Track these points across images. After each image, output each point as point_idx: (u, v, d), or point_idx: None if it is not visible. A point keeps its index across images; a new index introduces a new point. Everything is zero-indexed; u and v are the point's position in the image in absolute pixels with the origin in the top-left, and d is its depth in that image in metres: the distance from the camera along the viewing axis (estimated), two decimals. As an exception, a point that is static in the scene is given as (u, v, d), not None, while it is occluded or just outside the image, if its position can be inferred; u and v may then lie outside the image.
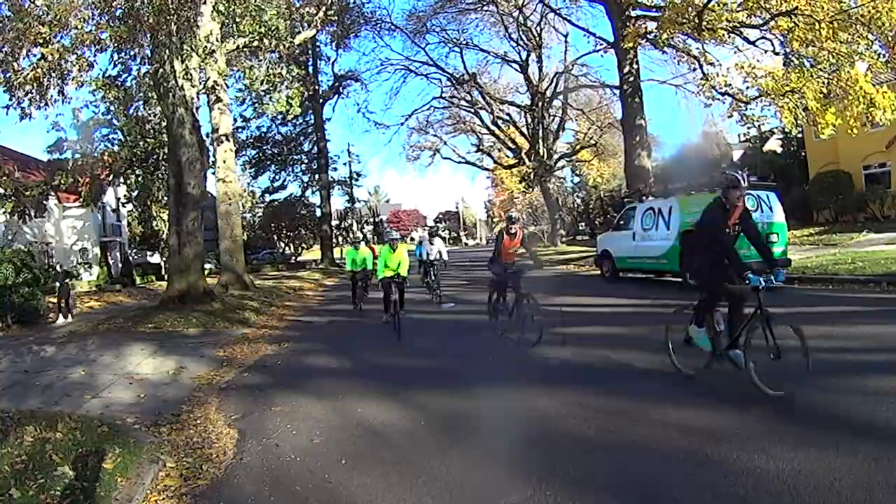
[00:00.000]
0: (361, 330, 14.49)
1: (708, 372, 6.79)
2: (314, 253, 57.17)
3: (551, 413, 6.57)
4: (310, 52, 42.93)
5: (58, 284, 19.69)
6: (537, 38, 45.00)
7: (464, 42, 46.79)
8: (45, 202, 22.19)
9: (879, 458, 4.62)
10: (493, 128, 51.44)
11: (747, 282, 6.31)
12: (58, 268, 20.24)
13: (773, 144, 42.95)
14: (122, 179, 30.79)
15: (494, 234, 15.26)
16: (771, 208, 16.08)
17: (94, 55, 17.41)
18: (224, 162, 25.75)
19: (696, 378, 7.05)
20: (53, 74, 16.24)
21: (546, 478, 4.86)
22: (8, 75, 15.89)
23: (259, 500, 5.01)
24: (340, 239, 61.10)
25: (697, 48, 27.30)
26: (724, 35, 23.84)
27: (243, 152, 48.04)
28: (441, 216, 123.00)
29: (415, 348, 11.21)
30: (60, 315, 19.40)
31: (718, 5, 22.80)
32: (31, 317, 18.31)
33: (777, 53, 24.22)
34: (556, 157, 52.10)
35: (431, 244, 19.40)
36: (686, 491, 4.47)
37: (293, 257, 56.42)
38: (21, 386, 9.37)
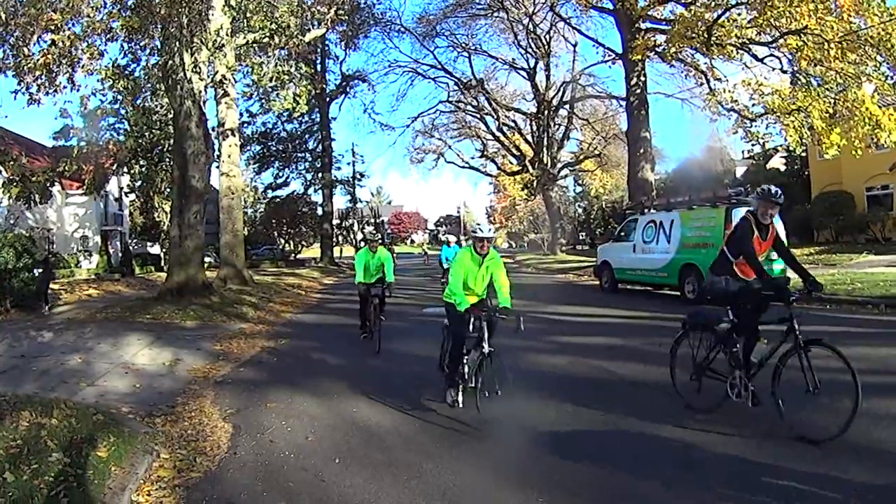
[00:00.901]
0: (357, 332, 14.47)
1: (706, 389, 6.74)
2: (314, 251, 57.26)
3: (546, 422, 6.59)
4: (319, 50, 42.98)
5: (38, 272, 19.00)
6: (546, 47, 45.02)
7: (473, 47, 46.84)
8: (50, 188, 22.14)
9: (872, 477, 4.64)
10: (498, 134, 51.44)
11: None
12: (37, 256, 19.44)
13: (777, 162, 43.02)
14: (125, 169, 30.90)
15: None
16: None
17: (105, 44, 17.48)
18: (229, 156, 25.81)
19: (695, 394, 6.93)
20: (63, 61, 16.27)
21: (539, 485, 4.87)
22: (18, 60, 15.92)
23: (252, 495, 5.02)
24: (341, 238, 61.07)
25: (705, 63, 27.41)
26: (732, 51, 23.92)
27: (248, 147, 48.21)
28: (442, 220, 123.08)
29: (408, 352, 11.14)
30: (46, 304, 18.77)
31: (728, 21, 22.86)
32: (30, 302, 18.29)
33: (784, 71, 24.28)
34: (559, 165, 52.09)
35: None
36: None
37: (293, 254, 56.40)
38: (18, 370, 9.41)
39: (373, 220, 77.21)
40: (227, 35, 18.94)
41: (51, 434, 5.54)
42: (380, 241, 12.71)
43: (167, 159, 30.25)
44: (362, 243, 23.83)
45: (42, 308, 18.43)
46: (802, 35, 20.30)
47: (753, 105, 25.30)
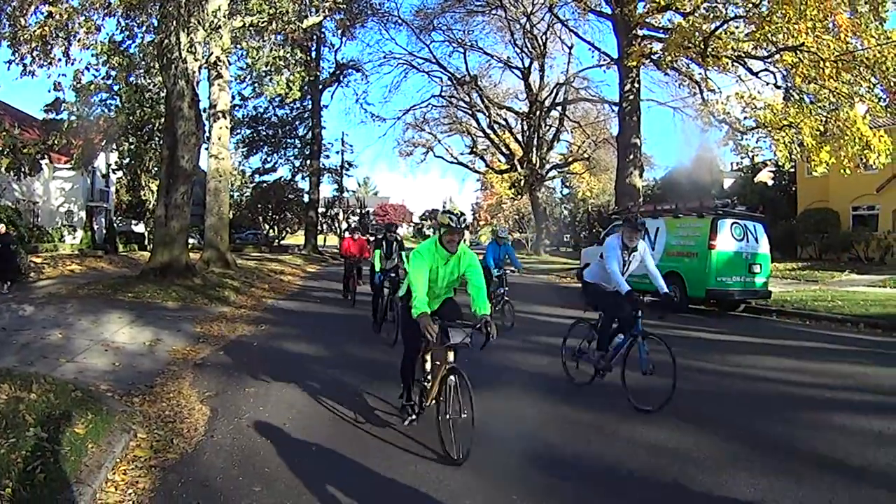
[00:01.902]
0: (344, 319, 14.45)
1: (679, 393, 6.80)
2: (298, 238, 57.07)
3: (523, 421, 6.63)
4: (315, 37, 42.81)
5: None
6: (542, 47, 45.12)
7: (469, 43, 46.90)
8: (40, 161, 21.93)
9: (841, 489, 4.71)
10: (488, 131, 51.50)
11: None
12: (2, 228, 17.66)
13: (765, 176, 43.25)
14: (115, 146, 30.62)
15: None
16: (757, 239, 16.26)
17: (102, 19, 17.39)
18: (219, 139, 25.71)
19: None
20: (60, 34, 16.17)
21: (514, 484, 4.92)
22: (14, 31, 15.80)
23: (228, 479, 5.02)
24: (325, 227, 60.84)
25: (700, 73, 27.52)
26: (727, 63, 23.99)
27: (238, 131, 47.88)
28: (427, 214, 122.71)
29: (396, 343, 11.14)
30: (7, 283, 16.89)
31: (726, 34, 22.95)
32: (9, 276, 18.06)
33: (778, 87, 24.39)
34: (548, 166, 52.24)
35: (631, 248, 8.53)
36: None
37: (277, 240, 56.24)
38: (-3, 343, 9.35)
39: (358, 210, 76.98)
40: (224, 17, 18.84)
41: (29, 408, 5.52)
42: (464, 227, 5.98)
43: (157, 138, 30.02)
44: (346, 233, 23.15)
45: (8, 286, 16.85)
46: (799, 52, 20.41)
47: (745, 118, 25.52)
